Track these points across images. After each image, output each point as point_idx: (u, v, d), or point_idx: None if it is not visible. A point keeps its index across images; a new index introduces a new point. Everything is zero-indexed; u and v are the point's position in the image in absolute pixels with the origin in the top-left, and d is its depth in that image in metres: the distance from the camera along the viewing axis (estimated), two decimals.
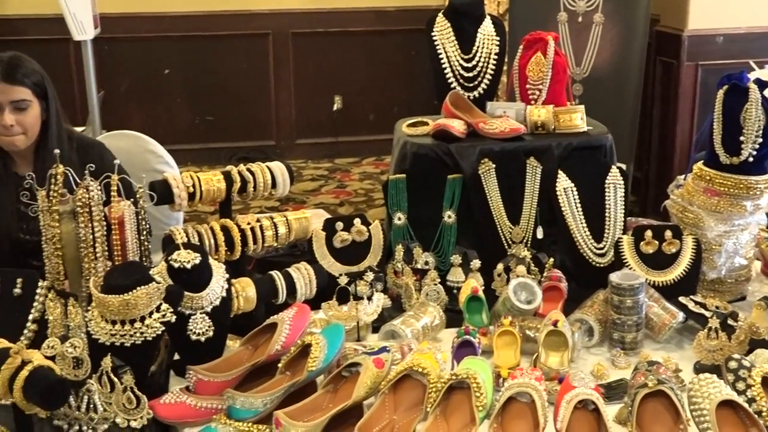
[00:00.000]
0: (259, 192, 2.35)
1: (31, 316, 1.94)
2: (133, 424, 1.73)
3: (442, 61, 2.80)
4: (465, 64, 2.82)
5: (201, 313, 1.93)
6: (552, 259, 2.44)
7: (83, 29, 4.72)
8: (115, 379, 1.73)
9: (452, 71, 2.81)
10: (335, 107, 7.04)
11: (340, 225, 2.46)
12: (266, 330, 1.97)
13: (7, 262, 2.27)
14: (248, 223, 2.31)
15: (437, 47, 2.82)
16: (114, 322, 1.79)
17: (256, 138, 7.04)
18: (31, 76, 2.33)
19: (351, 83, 7.06)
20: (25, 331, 1.92)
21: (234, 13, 6.77)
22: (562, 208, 2.53)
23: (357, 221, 2.47)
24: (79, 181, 2.02)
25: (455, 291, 2.38)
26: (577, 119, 2.68)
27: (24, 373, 1.58)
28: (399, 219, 2.58)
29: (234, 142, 7.00)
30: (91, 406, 1.72)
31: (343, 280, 2.22)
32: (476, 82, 2.84)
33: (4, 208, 2.36)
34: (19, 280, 1.96)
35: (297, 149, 7.02)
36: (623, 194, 2.57)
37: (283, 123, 7.05)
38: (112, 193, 2.02)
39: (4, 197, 2.37)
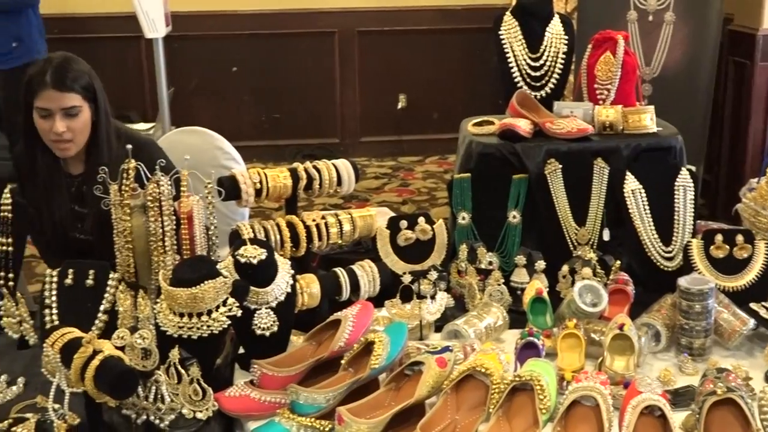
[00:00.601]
0: (324, 189, 2.37)
1: (102, 307, 1.99)
2: (199, 415, 1.76)
3: (509, 61, 2.78)
4: (532, 63, 2.79)
5: (266, 308, 1.95)
6: (618, 262, 2.40)
7: (155, 27, 4.81)
8: (182, 371, 1.76)
9: (519, 70, 2.78)
10: (400, 105, 7.05)
11: (404, 223, 2.45)
12: (330, 326, 1.98)
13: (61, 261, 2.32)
14: (313, 220, 2.32)
15: (504, 46, 2.80)
16: (182, 315, 1.82)
17: (320, 135, 7.08)
18: (80, 80, 2.32)
19: (416, 82, 7.05)
20: (97, 322, 1.96)
21: (301, 11, 6.83)
22: (630, 210, 2.48)
23: (421, 220, 2.46)
24: (150, 175, 2.06)
25: (519, 292, 2.36)
26: (646, 120, 2.63)
27: (95, 362, 1.61)
28: (463, 218, 2.57)
29: (299, 140, 7.05)
30: (159, 396, 1.74)
31: (406, 279, 2.21)
32: (543, 82, 2.81)
33: (60, 208, 2.40)
34: (91, 272, 2.01)
35: (361, 147, 7.05)
36: (693, 197, 2.51)
37: (347, 121, 7.08)
38: (181, 189, 2.05)
39: (58, 197, 2.41)
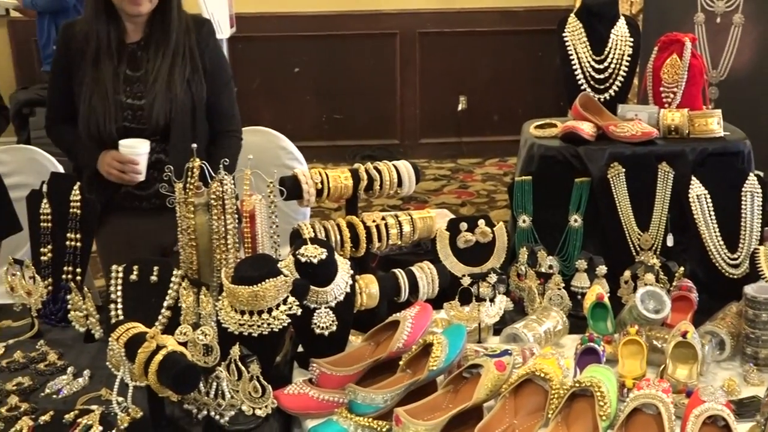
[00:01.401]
0: (385, 190, 2.37)
1: (165, 303, 2.01)
2: (258, 412, 1.77)
3: (572, 63, 2.75)
4: (596, 66, 2.75)
5: (325, 308, 1.96)
6: (682, 269, 2.34)
7: (220, 28, 4.89)
8: (243, 368, 1.78)
9: (583, 73, 2.75)
10: (460, 107, 7.03)
11: (464, 225, 2.44)
12: (388, 327, 1.98)
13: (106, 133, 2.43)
14: (374, 221, 2.32)
15: (568, 48, 2.77)
16: (243, 313, 1.84)
17: (380, 136, 7.11)
18: None
19: (476, 83, 7.03)
20: (160, 317, 1.99)
21: (363, 13, 6.86)
22: (695, 216, 2.42)
23: (481, 222, 2.45)
24: (213, 174, 2.08)
25: (579, 297, 2.33)
26: (713, 124, 2.58)
27: (158, 357, 1.64)
28: (524, 221, 2.55)
29: (359, 140, 7.08)
30: (220, 392, 1.77)
31: (466, 281, 2.20)
32: (607, 84, 2.76)
33: (110, 78, 2.46)
34: (155, 268, 2.04)
35: (420, 148, 7.05)
36: (761, 203, 2.44)
37: (407, 122, 7.08)
38: (244, 187, 2.07)
39: (108, 67, 2.46)
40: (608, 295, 2.23)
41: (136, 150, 2.40)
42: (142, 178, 2.43)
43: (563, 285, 2.32)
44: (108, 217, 2.54)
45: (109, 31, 2.45)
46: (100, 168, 2.46)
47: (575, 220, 2.53)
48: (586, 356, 1.99)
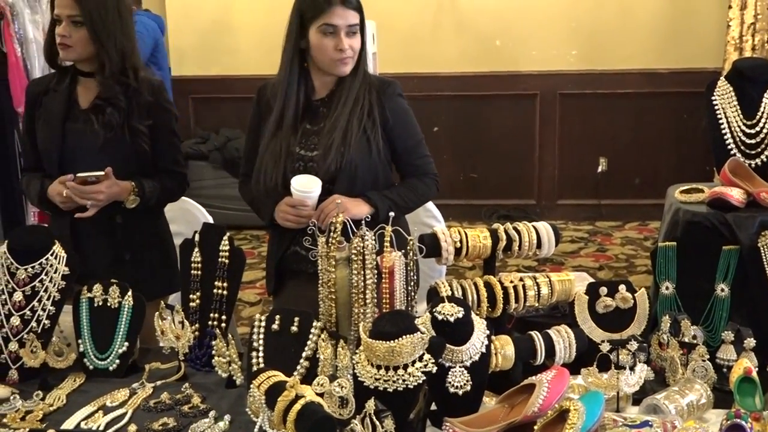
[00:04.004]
0: (524, 251, 2.35)
1: (304, 354, 2.06)
2: None
3: (722, 127, 2.68)
4: (747, 131, 2.67)
5: (460, 367, 1.95)
6: None
7: None
8: (377, 423, 1.78)
9: (732, 137, 2.67)
10: (600, 169, 6.91)
11: (604, 290, 2.39)
12: (523, 390, 1.95)
13: None
14: (511, 282, 2.31)
15: (717, 112, 2.70)
16: (379, 367, 1.85)
17: (517, 196, 7.07)
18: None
19: (617, 145, 6.91)
20: (299, 367, 2.04)
21: (504, 73, 6.90)
22: None
23: (622, 287, 2.39)
24: (355, 229, 2.13)
25: (725, 370, 2.22)
26: None
27: (297, 406, 1.68)
28: (667, 288, 2.47)
29: (495, 200, 7.07)
30: None
31: (605, 347, 2.14)
32: (759, 150, 2.68)
33: (289, 133, 2.59)
34: (296, 319, 2.09)
35: (558, 209, 6.96)
36: None
37: (545, 183, 7.02)
38: (385, 243, 2.11)
39: (290, 122, 2.60)
40: (757, 369, 2.12)
41: (309, 194, 2.48)
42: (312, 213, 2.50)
43: (708, 357, 2.23)
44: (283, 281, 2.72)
45: (299, 90, 2.60)
46: (278, 220, 2.57)
47: (722, 290, 2.43)
48: None
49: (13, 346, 2.26)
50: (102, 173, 2.58)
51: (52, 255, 2.33)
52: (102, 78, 2.65)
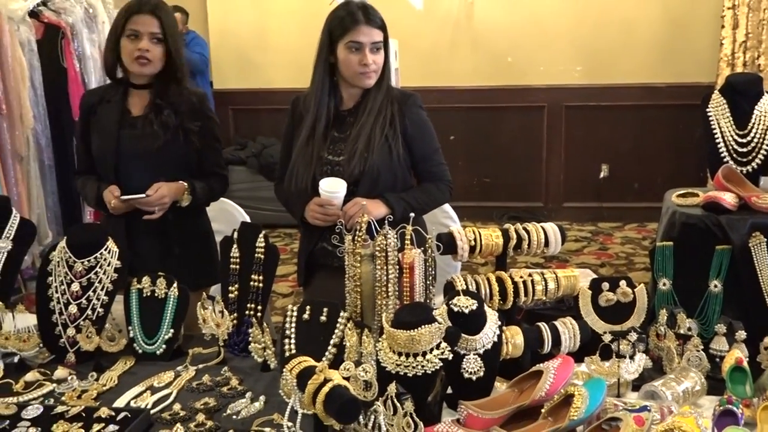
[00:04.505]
0: (532, 249, 2.34)
1: (332, 341, 2.06)
2: None
3: (716, 136, 2.65)
4: (739, 140, 2.64)
5: (474, 354, 1.94)
6: None
7: None
8: (398, 404, 1.78)
9: (726, 146, 2.64)
10: (602, 175, 6.87)
11: (606, 285, 2.37)
12: (532, 376, 1.94)
13: None
14: (521, 277, 2.29)
15: (711, 123, 2.67)
16: (400, 354, 1.85)
17: (525, 199, 7.05)
18: (381, 18, 2.55)
19: (618, 153, 6.87)
20: (327, 353, 2.03)
21: (513, 87, 6.88)
22: None
23: (623, 283, 2.37)
24: (379, 228, 2.13)
25: (718, 360, 2.19)
26: None
27: (325, 389, 1.67)
28: (664, 284, 2.44)
29: (505, 202, 7.05)
30: (377, 425, 1.77)
31: (606, 338, 2.13)
32: (750, 158, 2.65)
33: (319, 140, 2.60)
34: (325, 310, 2.09)
35: (563, 211, 6.93)
36: None
37: (552, 187, 6.99)
38: (406, 241, 2.10)
39: (320, 130, 2.60)
40: (747, 359, 2.09)
41: (336, 194, 2.50)
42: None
43: (702, 347, 2.20)
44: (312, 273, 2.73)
45: (328, 101, 2.60)
46: (308, 219, 2.59)
47: (715, 286, 2.40)
48: (725, 418, 1.86)
49: (71, 331, 2.28)
50: (144, 195, 2.61)
51: (105, 250, 2.35)
52: (162, 86, 2.69)
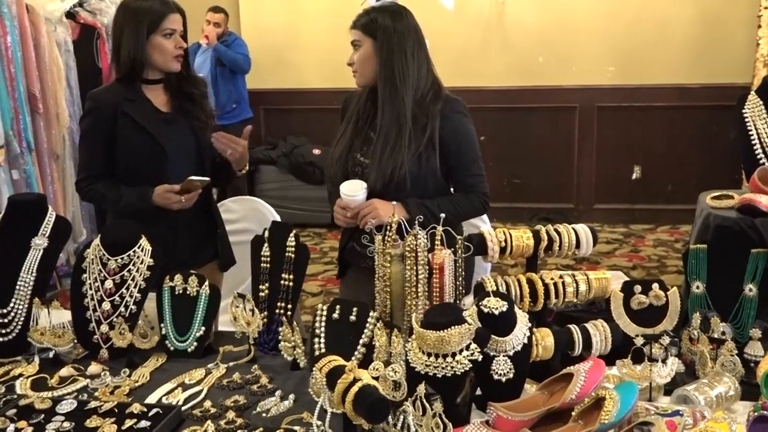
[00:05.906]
0: (563, 251, 2.32)
1: (361, 341, 2.06)
2: None
3: (752, 138, 2.60)
4: None
5: (503, 356, 1.93)
6: None
7: None
8: (427, 405, 1.77)
9: (762, 148, 2.59)
10: (634, 176, 6.80)
11: (638, 288, 2.34)
12: (562, 379, 1.92)
13: None
14: (552, 279, 2.28)
15: (747, 124, 2.63)
16: (429, 355, 1.84)
17: (556, 200, 7.00)
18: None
19: (651, 154, 6.79)
20: (356, 353, 2.04)
21: (545, 88, 6.84)
22: None
23: (655, 286, 2.33)
24: (409, 228, 2.13)
25: (752, 364, 2.15)
26: None
27: (354, 388, 1.67)
28: (698, 288, 2.41)
29: (536, 203, 7.01)
30: (406, 425, 1.77)
31: (638, 341, 2.10)
32: None
33: (355, 136, 2.66)
34: (354, 309, 2.09)
35: (594, 213, 6.87)
36: None
37: (583, 188, 6.93)
38: (436, 242, 2.10)
39: (358, 127, 2.67)
40: None
41: (354, 197, 2.52)
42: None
43: (736, 351, 2.16)
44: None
45: (366, 101, 2.64)
46: (334, 219, 2.63)
47: (750, 290, 2.36)
48: (759, 424, 1.83)
49: (104, 328, 2.31)
50: (208, 179, 2.70)
51: (138, 248, 2.37)
52: (177, 78, 2.77)
